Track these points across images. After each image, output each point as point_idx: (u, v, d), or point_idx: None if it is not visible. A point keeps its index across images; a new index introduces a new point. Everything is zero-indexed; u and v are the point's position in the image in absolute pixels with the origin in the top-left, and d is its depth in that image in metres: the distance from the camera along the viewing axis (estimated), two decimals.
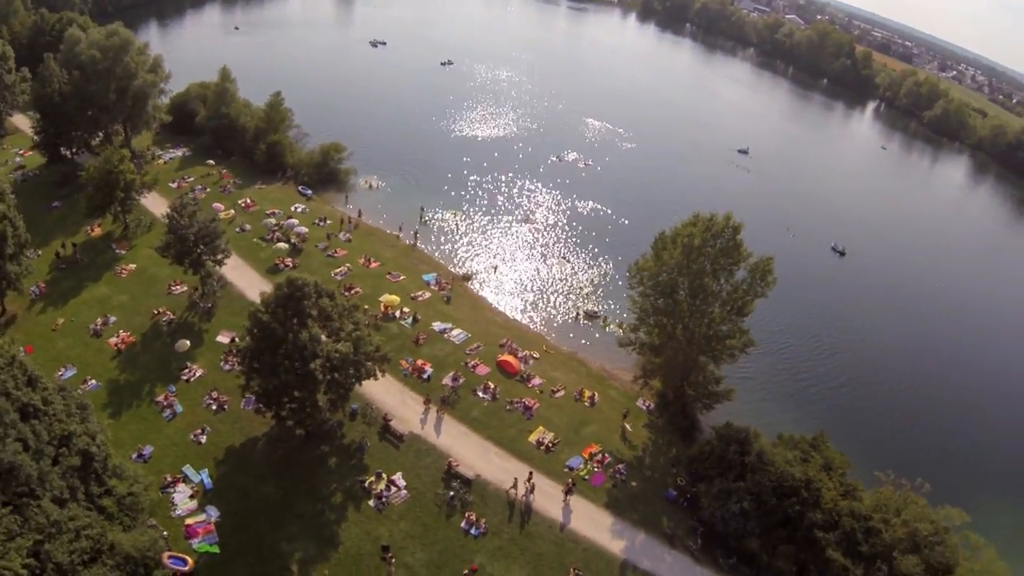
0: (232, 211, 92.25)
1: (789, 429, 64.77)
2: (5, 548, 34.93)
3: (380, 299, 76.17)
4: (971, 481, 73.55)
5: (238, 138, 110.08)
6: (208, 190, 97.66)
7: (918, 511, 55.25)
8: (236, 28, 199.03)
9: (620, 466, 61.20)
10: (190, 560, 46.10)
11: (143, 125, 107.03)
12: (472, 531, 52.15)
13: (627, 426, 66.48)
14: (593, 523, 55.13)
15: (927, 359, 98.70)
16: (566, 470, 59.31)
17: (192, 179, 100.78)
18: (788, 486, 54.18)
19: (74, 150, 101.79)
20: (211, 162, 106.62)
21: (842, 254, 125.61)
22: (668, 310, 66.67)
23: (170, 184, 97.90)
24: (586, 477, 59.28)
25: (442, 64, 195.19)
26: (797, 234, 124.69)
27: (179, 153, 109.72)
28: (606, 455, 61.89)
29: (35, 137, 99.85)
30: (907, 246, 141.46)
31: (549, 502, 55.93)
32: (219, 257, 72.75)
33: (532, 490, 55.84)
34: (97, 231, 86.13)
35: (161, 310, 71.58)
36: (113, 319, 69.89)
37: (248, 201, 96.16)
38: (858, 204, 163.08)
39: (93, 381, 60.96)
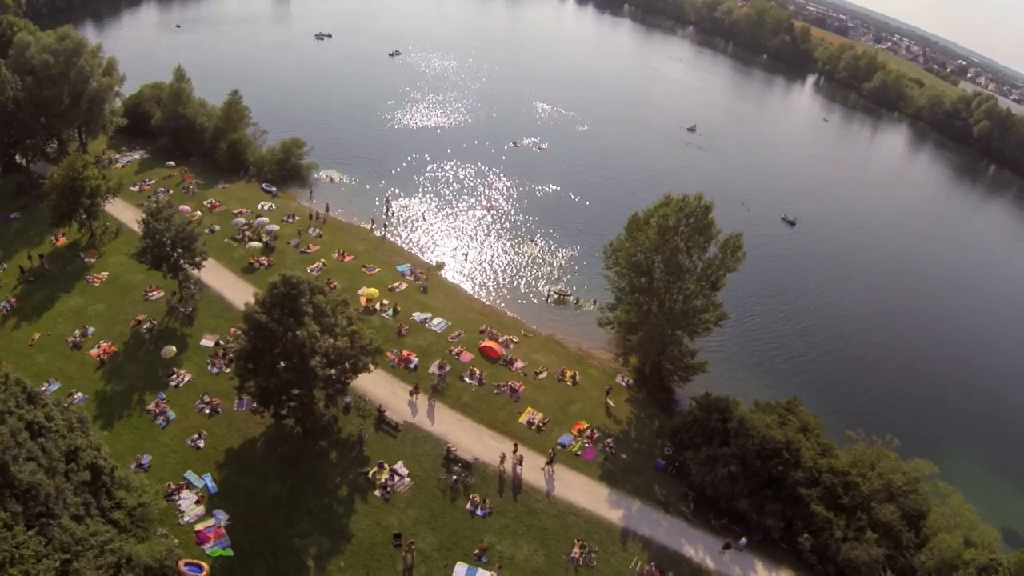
0: (199, 213, 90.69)
1: (760, 396, 68.94)
2: (35, 570, 34.62)
3: (359, 293, 76.78)
4: (935, 435, 79.27)
5: (197, 138, 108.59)
6: (171, 192, 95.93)
7: (891, 464, 60.00)
8: (177, 26, 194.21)
9: (609, 440, 63.87)
10: (205, 566, 46.50)
11: (99, 130, 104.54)
12: (478, 512, 54.09)
13: (610, 402, 69.19)
14: (591, 496, 57.66)
15: (880, 322, 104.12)
16: (559, 447, 61.60)
17: (153, 182, 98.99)
18: (770, 448, 57.79)
19: (29, 158, 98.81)
20: (171, 163, 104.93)
21: (792, 224, 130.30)
22: (644, 288, 69.21)
23: (131, 188, 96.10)
24: (578, 453, 61.73)
25: (390, 55, 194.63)
26: (749, 207, 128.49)
27: (136, 156, 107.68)
28: (594, 431, 64.49)
29: None
30: (854, 214, 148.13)
31: (541, 476, 58.42)
32: (197, 260, 71.97)
33: (520, 462, 58.32)
34: (62, 240, 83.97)
35: (141, 317, 70.54)
36: (91, 330, 68.52)
37: (214, 202, 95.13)
38: (803, 175, 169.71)
39: (79, 394, 59.77)
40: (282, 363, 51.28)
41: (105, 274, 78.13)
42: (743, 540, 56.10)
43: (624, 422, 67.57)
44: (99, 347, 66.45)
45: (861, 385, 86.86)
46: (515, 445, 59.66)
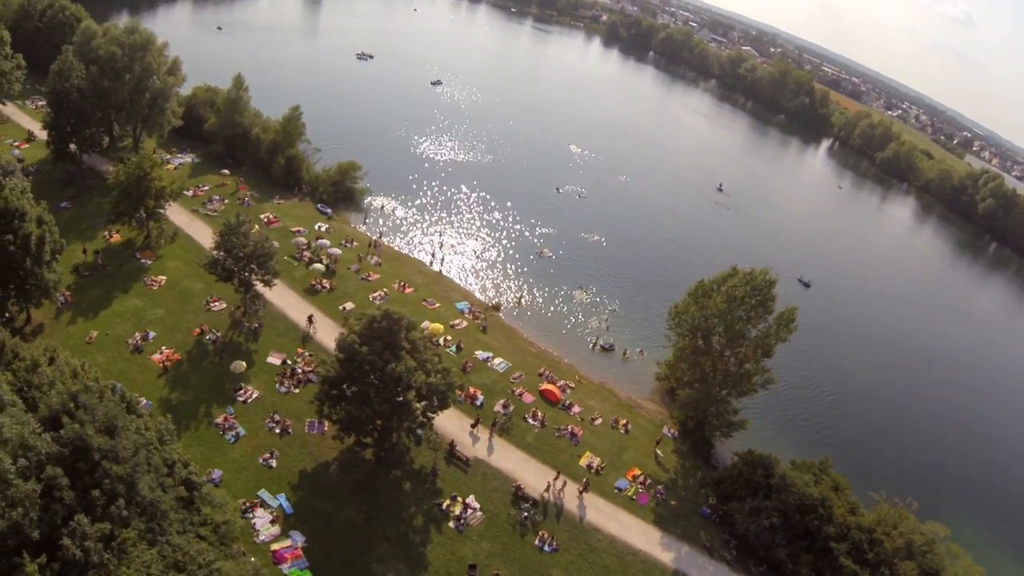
0: (256, 227, 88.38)
1: (791, 454, 72.67)
2: None
3: (423, 326, 75.97)
4: (944, 500, 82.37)
5: (251, 149, 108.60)
6: (226, 201, 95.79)
7: (911, 524, 64.05)
8: (219, 28, 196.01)
9: (659, 487, 66.97)
10: None
11: (157, 128, 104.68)
12: (545, 548, 56.69)
13: (659, 452, 71.89)
14: (645, 538, 60.97)
15: (895, 390, 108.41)
16: (615, 491, 64.66)
17: (207, 188, 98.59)
18: (808, 504, 62.05)
19: (83, 149, 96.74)
20: (225, 172, 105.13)
21: (807, 286, 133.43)
22: (703, 350, 72.96)
23: (185, 192, 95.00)
24: (633, 497, 64.74)
25: (432, 84, 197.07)
26: (779, 273, 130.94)
27: (187, 159, 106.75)
28: (647, 477, 67.53)
29: (45, 132, 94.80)
30: (863, 279, 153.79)
31: (601, 517, 61.56)
32: (268, 278, 71.97)
33: (563, 488, 61.79)
34: (116, 237, 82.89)
35: (204, 327, 70.16)
36: (152, 334, 67.64)
37: (270, 216, 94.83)
38: (816, 239, 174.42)
39: (144, 400, 58.39)
40: (372, 392, 52.57)
41: (163, 278, 77.02)
42: None
43: (671, 470, 70.37)
44: (161, 353, 65.73)
45: (876, 449, 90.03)
46: (557, 472, 62.96)
